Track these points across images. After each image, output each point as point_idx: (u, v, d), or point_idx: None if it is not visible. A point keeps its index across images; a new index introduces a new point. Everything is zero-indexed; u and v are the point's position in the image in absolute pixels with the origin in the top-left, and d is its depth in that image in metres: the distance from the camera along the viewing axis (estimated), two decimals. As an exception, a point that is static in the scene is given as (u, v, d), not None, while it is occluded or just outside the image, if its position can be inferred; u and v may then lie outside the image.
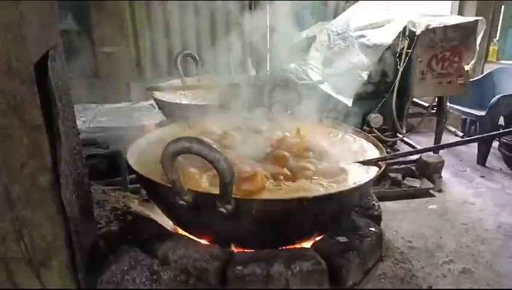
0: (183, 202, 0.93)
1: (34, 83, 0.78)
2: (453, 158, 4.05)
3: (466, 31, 2.95)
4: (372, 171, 1.09)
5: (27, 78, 0.77)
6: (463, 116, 4.50)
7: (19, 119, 0.79)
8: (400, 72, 3.07)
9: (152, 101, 3.98)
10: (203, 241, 1.09)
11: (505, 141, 3.68)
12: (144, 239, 1.11)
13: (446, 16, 3.39)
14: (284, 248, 1.07)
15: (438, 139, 3.56)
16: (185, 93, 2.29)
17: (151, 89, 1.98)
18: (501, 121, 3.91)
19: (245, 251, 1.06)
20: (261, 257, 1.01)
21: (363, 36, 3.05)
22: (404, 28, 2.98)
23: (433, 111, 3.49)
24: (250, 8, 4.00)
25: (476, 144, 4.18)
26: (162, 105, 1.96)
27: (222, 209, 0.90)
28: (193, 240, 1.10)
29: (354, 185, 0.99)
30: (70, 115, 0.91)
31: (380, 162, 1.10)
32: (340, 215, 1.10)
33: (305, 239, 1.08)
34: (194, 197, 0.92)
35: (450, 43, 2.99)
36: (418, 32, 2.95)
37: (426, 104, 3.53)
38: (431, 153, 3.47)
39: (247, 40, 4.49)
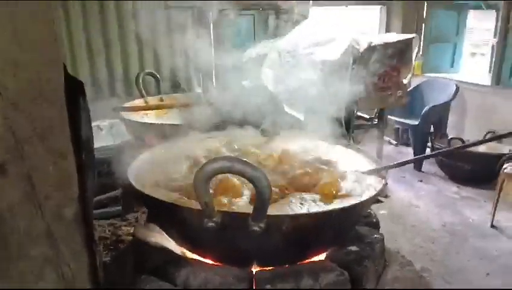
0: (212, 224, 0.90)
1: (65, 108, 0.72)
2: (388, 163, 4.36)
3: (404, 48, 3.23)
4: (374, 182, 1.16)
5: (57, 103, 0.71)
6: (396, 126, 4.88)
7: (45, 147, 0.72)
8: (347, 87, 3.26)
9: (97, 123, 3.77)
10: (218, 264, 1.07)
11: (437, 146, 4.05)
12: (155, 266, 1.05)
13: (384, 34, 3.69)
14: (300, 262, 1.08)
15: (380, 148, 3.82)
16: (148, 114, 2.22)
17: (119, 110, 1.89)
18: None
19: (265, 269, 1.05)
20: (285, 274, 1.01)
21: (311, 54, 3.21)
22: (349, 46, 3.19)
23: (374, 122, 3.74)
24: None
25: (409, 150, 4.57)
26: (133, 125, 1.88)
27: (255, 228, 0.89)
28: (207, 263, 1.07)
29: (372, 194, 1.04)
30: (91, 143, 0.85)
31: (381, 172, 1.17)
32: (355, 225, 1.14)
33: (322, 252, 1.10)
34: (225, 217, 0.90)
35: (390, 59, 3.25)
36: (361, 49, 3.18)
37: (368, 117, 3.78)
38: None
39: (191, 57, 4.45)
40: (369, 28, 5.15)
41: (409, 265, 1.20)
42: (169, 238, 1.13)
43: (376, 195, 1.05)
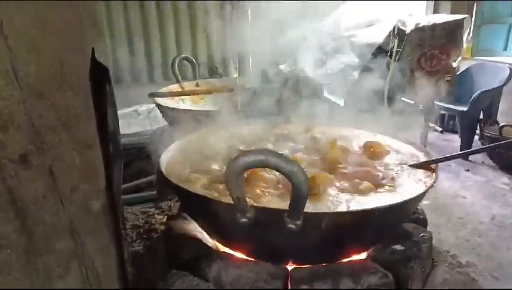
0: (246, 219, 0.85)
1: (90, 96, 0.68)
2: (435, 153, 4.15)
3: (454, 29, 3.01)
4: (424, 176, 1.06)
5: (82, 91, 0.67)
6: (442, 112, 4.61)
7: (71, 137, 0.69)
8: (390, 71, 3.10)
9: (135, 107, 3.82)
10: (251, 259, 1.02)
11: (487, 134, 3.79)
12: (186, 260, 1.02)
13: (432, 15, 3.46)
14: (339, 261, 1.01)
15: (424, 135, 3.64)
16: (184, 99, 2.19)
17: (154, 96, 1.87)
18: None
19: (300, 266, 0.99)
20: (322, 273, 0.94)
21: (353, 36, 3.06)
22: (394, 27, 3.01)
23: (420, 108, 3.55)
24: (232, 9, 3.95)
25: (455, 138, 4.32)
26: (167, 112, 1.85)
27: (291, 225, 0.83)
28: (241, 258, 1.03)
29: (423, 190, 0.95)
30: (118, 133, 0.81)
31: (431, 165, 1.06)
32: (400, 223, 1.05)
33: (364, 250, 1.03)
34: (258, 213, 0.85)
35: (438, 41, 3.04)
36: (408, 30, 2.99)
37: (413, 102, 3.58)
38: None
39: (228, 42, 4.42)
40: (415, 10, 4.86)
41: (460, 266, 1.10)
42: (202, 230, 1.09)
43: (426, 191, 0.95)
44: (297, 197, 0.78)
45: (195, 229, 1.14)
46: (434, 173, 1.03)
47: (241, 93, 1.86)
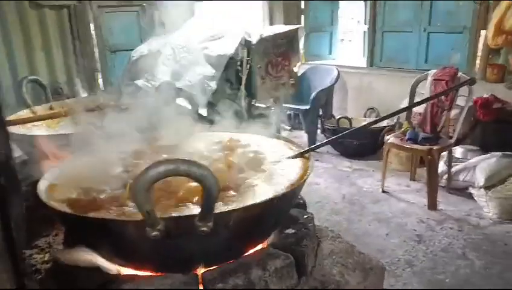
0: (157, 233, 0.85)
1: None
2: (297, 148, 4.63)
3: (291, 38, 3.42)
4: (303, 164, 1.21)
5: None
6: (288, 112, 5.16)
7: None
8: (243, 79, 3.34)
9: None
10: (161, 274, 1.01)
11: (328, 126, 4.40)
12: (90, 292, 0.95)
13: (273, 26, 3.84)
14: (245, 255, 1.08)
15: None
16: (38, 125, 1.97)
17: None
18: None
19: (211, 268, 1.03)
20: (232, 269, 1.00)
21: (206, 48, 3.20)
22: (242, 39, 3.26)
23: (272, 110, 3.91)
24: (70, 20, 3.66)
25: (302, 134, 4.88)
26: (21, 140, 1.64)
27: (204, 229, 0.86)
28: (149, 275, 1.01)
29: (307, 175, 1.09)
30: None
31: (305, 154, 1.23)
32: (290, 209, 1.18)
33: (264, 240, 1.12)
34: (169, 224, 0.86)
35: (280, 49, 3.41)
36: (254, 41, 3.28)
37: (265, 105, 3.93)
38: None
39: (72, 58, 4.07)
40: (253, 22, 5.32)
41: (339, 238, 1.29)
42: (102, 258, 1.03)
43: (308, 175, 1.10)
44: (209, 200, 0.82)
45: (91, 258, 1.07)
46: (309, 161, 1.19)
47: (106, 111, 1.77)
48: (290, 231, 1.17)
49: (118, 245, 0.96)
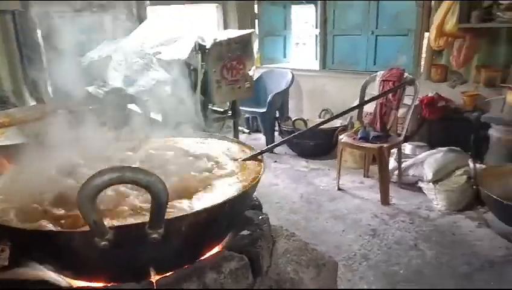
0: (105, 242, 0.83)
1: None
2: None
3: (245, 42, 3.45)
4: (255, 166, 1.23)
5: None
6: (246, 115, 5.19)
7: None
8: (199, 83, 3.33)
9: None
10: (114, 284, 0.99)
11: (284, 128, 4.47)
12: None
13: (227, 30, 3.86)
14: (200, 259, 1.09)
15: (236, 137, 4.03)
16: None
17: None
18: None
19: (165, 275, 1.02)
20: (186, 275, 1.00)
21: (159, 53, 3.16)
22: (195, 43, 3.25)
23: (229, 114, 3.92)
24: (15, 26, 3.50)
25: (260, 136, 4.94)
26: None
27: (155, 235, 0.86)
28: (101, 286, 0.99)
29: (259, 176, 1.11)
30: None
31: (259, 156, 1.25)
32: (244, 211, 1.20)
33: (217, 243, 1.13)
34: (118, 233, 0.84)
35: (234, 53, 3.44)
36: (208, 45, 3.28)
37: (222, 110, 3.94)
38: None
39: (18, 66, 3.89)
40: (208, 26, 5.32)
41: (294, 236, 1.32)
42: (51, 272, 0.99)
43: (260, 177, 1.12)
44: (158, 206, 0.82)
45: (39, 273, 1.03)
46: (262, 163, 1.22)
47: (53, 120, 1.70)
48: (245, 232, 1.19)
49: (66, 258, 0.94)
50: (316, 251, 1.26)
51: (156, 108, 3.11)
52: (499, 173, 3.08)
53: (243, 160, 1.25)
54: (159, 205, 0.82)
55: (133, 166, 0.79)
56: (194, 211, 0.93)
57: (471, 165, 3.24)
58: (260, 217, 1.27)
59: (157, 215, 0.84)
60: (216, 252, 1.12)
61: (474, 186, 3.03)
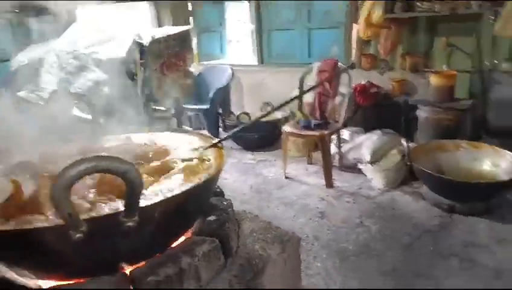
0: (80, 235, 0.83)
1: None
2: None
3: (184, 38, 3.45)
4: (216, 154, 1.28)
5: None
6: (189, 113, 5.16)
7: None
8: (139, 82, 3.27)
9: None
10: (87, 278, 0.98)
11: (228, 123, 4.52)
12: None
13: (165, 27, 3.81)
14: (171, 246, 1.11)
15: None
16: None
17: None
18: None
19: (140, 265, 1.03)
20: (162, 262, 1.02)
21: (95, 52, 3.05)
22: (133, 41, 3.18)
23: (172, 113, 3.89)
24: None
25: (204, 133, 4.93)
26: None
27: (129, 224, 0.87)
28: (73, 283, 0.97)
29: (222, 163, 1.15)
30: None
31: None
32: (210, 198, 1.24)
33: (187, 230, 1.16)
34: (93, 224, 0.84)
35: (173, 49, 3.42)
36: (146, 43, 3.23)
37: (165, 108, 3.89)
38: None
39: None
40: (141, 25, 5.19)
41: (257, 217, 1.38)
42: (17, 273, 0.96)
43: (223, 164, 1.16)
44: (132, 194, 0.84)
45: (12, 275, 0.99)
46: (222, 150, 1.26)
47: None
48: (212, 217, 1.23)
49: (37, 256, 0.91)
50: (280, 228, 1.34)
51: (95, 109, 3.01)
52: (427, 149, 3.39)
53: (204, 149, 1.28)
54: (134, 193, 0.84)
55: (107, 155, 0.79)
56: (168, 196, 0.95)
57: (404, 144, 3.52)
58: (224, 203, 1.32)
59: (132, 204, 0.85)
60: (186, 238, 1.14)
61: (408, 164, 3.30)
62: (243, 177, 3.89)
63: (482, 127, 3.72)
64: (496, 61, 3.78)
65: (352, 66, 2.08)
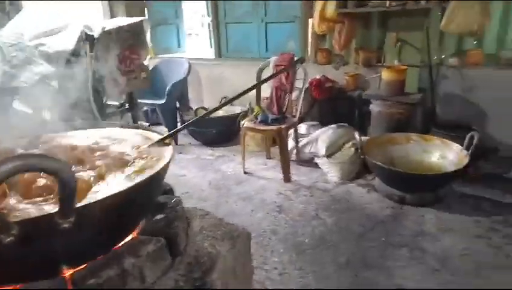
0: (11, 238, 0.78)
1: None
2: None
3: (137, 30, 3.34)
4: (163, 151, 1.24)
5: None
6: (145, 108, 5.04)
7: None
8: (90, 75, 3.14)
9: None
10: (24, 284, 0.93)
11: (185, 118, 4.45)
12: None
13: (116, 18, 3.67)
14: (115, 248, 1.07)
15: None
16: None
17: None
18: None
19: (80, 268, 0.98)
20: (104, 264, 0.98)
21: (42, 45, 2.89)
22: (82, 33, 3.04)
23: (126, 108, 3.77)
24: None
25: (162, 128, 4.84)
26: None
27: (65, 225, 0.83)
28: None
29: (168, 159, 1.12)
30: None
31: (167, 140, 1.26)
32: (157, 196, 1.20)
33: (132, 230, 1.12)
34: (25, 226, 0.79)
35: (126, 42, 3.30)
36: (96, 35, 3.09)
37: (118, 103, 3.77)
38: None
39: None
40: (92, 16, 4.99)
41: (208, 214, 1.36)
42: None
43: (171, 160, 1.13)
44: (67, 193, 0.79)
45: None
46: (171, 146, 1.23)
47: None
48: (160, 216, 1.19)
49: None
50: (230, 224, 1.32)
51: (42, 105, 2.86)
52: (380, 142, 3.50)
53: (150, 146, 1.24)
54: (67, 192, 0.79)
55: (39, 153, 0.74)
56: (106, 195, 0.91)
57: (357, 137, 3.61)
58: (173, 201, 1.28)
59: (66, 203, 0.81)
60: (131, 239, 1.11)
61: (361, 157, 3.40)
62: (202, 173, 3.85)
63: (431, 120, 3.89)
64: (443, 56, 3.96)
65: (301, 60, 2.09)
